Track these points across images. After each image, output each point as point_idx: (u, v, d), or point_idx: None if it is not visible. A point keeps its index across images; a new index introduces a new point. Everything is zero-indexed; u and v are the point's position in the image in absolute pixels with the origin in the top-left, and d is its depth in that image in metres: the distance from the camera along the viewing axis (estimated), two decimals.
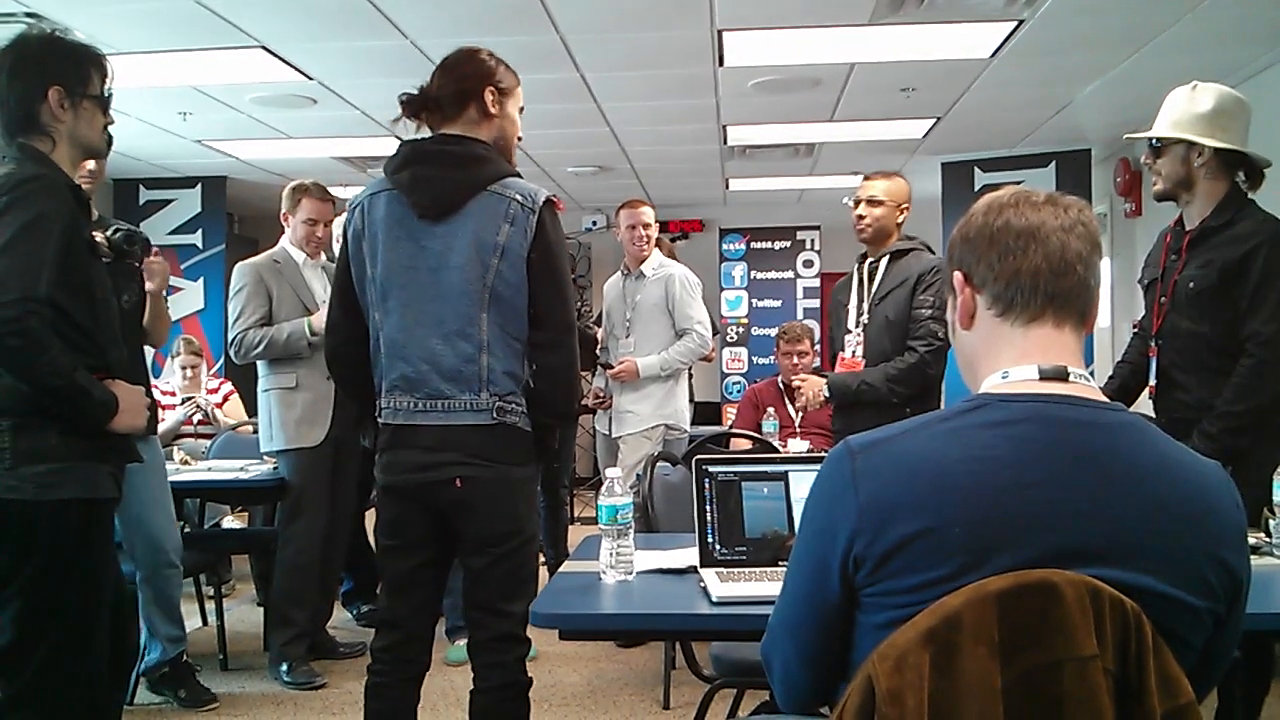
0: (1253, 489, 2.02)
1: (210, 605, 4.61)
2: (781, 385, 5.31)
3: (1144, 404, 3.03)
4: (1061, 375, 1.29)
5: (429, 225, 2.40)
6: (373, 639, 2.55)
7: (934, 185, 7.84)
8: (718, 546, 2.16)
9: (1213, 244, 2.81)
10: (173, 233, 8.09)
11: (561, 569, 2.25)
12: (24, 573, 2.23)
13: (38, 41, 2.37)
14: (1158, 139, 2.84)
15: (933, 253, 3.67)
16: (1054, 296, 1.31)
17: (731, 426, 6.05)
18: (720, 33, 4.88)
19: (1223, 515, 1.25)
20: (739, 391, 9.22)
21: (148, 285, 3.46)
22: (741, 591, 1.95)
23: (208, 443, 5.23)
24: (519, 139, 2.58)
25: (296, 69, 5.34)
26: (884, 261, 3.66)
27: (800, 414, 5.04)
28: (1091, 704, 1.12)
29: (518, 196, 2.40)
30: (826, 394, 3.66)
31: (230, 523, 5.73)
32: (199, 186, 8.19)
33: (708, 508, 2.19)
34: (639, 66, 5.45)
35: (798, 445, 4.82)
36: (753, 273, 9.98)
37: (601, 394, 4.90)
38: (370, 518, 5.10)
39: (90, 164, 3.37)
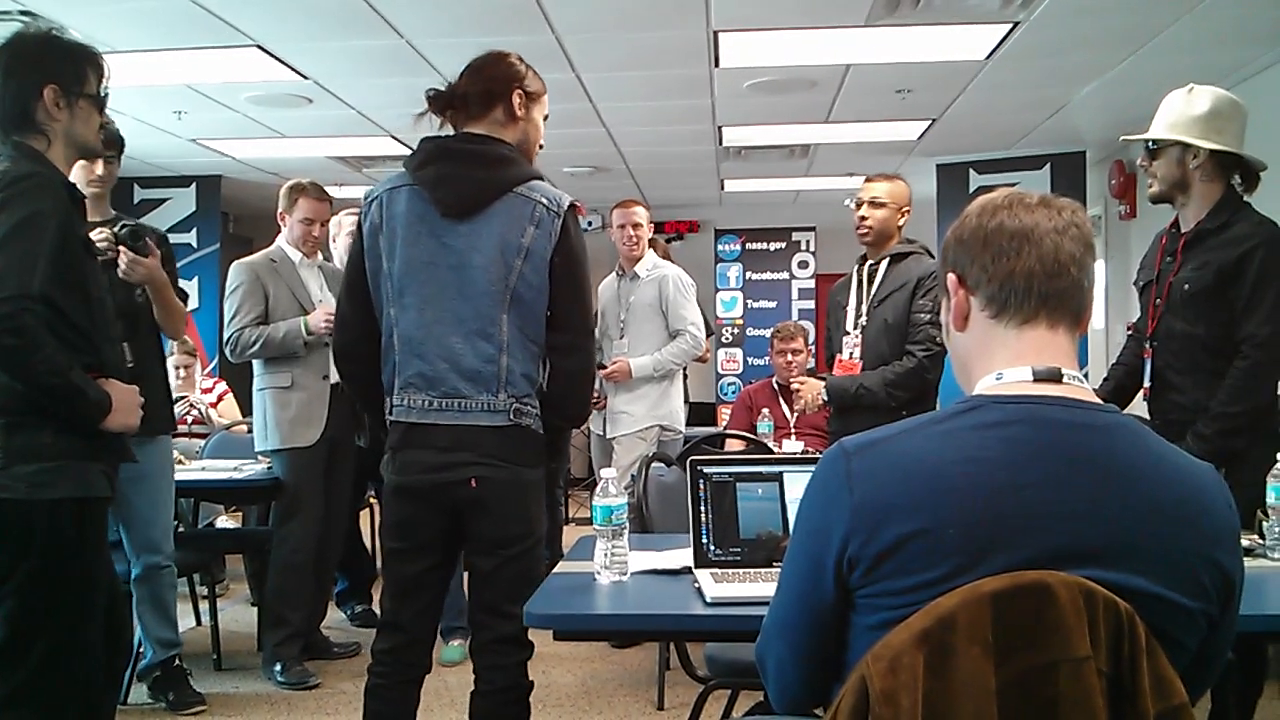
0: (1246, 491, 2.02)
1: (204, 605, 4.61)
2: (776, 386, 5.32)
3: (1139, 406, 3.04)
4: (1055, 377, 1.29)
5: (451, 223, 2.39)
6: (374, 640, 2.52)
7: (929, 187, 7.85)
8: (712, 547, 2.16)
9: (1208, 246, 2.81)
10: (167, 232, 7.95)
11: (556, 569, 2.25)
12: (18, 572, 2.22)
13: (35, 40, 2.36)
14: (1154, 141, 2.85)
15: (933, 256, 3.65)
16: (1048, 298, 1.31)
17: (726, 427, 6.06)
18: (716, 33, 4.88)
19: (1216, 517, 1.25)
20: (734, 392, 9.21)
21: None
22: (736, 592, 1.95)
23: (201, 442, 5.22)
24: (540, 145, 2.58)
25: (292, 68, 5.34)
26: (884, 264, 3.64)
27: (796, 415, 5.05)
28: (1085, 705, 1.12)
29: (543, 200, 2.40)
30: (825, 397, 3.66)
31: (224, 522, 5.72)
32: (194, 186, 8.18)
33: (702, 508, 2.19)
34: (635, 67, 5.45)
35: (792, 446, 4.83)
36: (748, 274, 9.99)
37: (597, 395, 4.90)
38: (365, 517, 5.13)
39: (100, 168, 3.40)
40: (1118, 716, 1.14)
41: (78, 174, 3.41)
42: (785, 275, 9.95)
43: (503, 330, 2.39)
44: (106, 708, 2.52)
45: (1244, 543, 1.71)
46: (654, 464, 3.32)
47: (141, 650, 3.65)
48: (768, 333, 5.93)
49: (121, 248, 3.31)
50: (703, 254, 9.83)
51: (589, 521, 2.19)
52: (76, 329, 2.26)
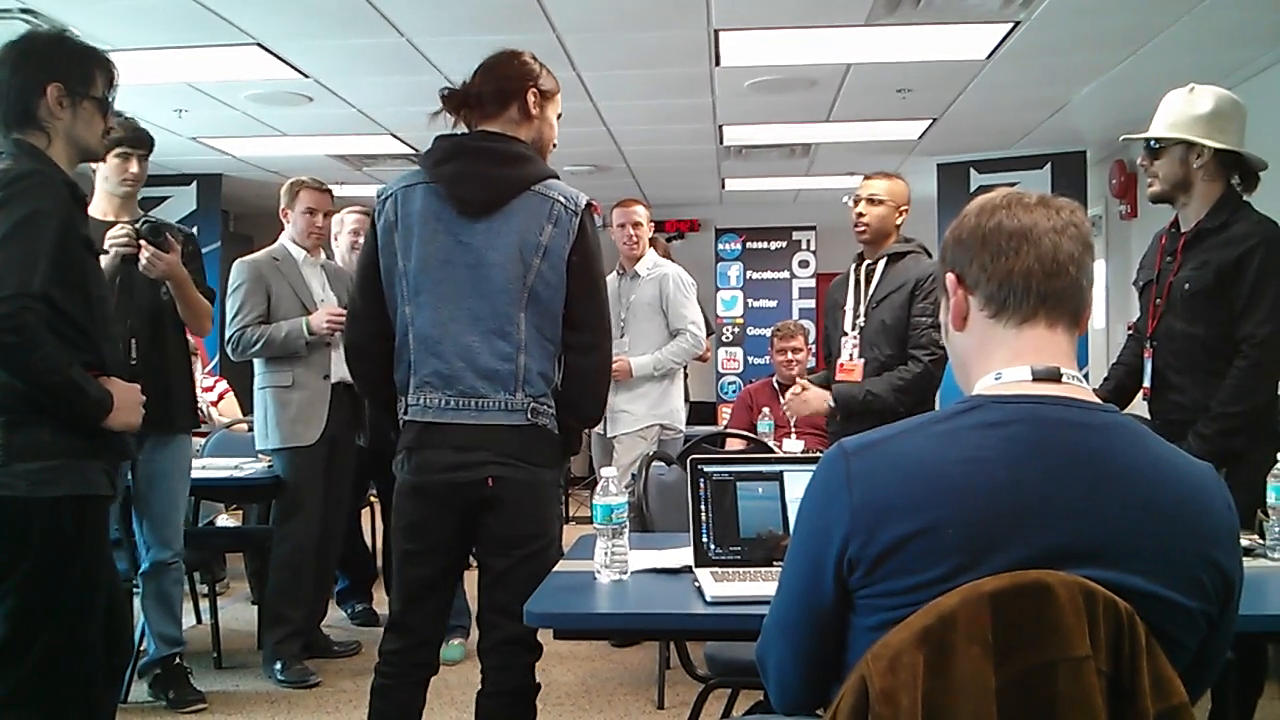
0: (1246, 491, 2.02)
1: (204, 603, 4.61)
2: (776, 385, 5.32)
3: (1139, 406, 3.04)
4: (1054, 376, 1.29)
5: (468, 221, 2.38)
6: (382, 641, 2.50)
7: (929, 186, 7.85)
8: (712, 546, 2.16)
9: (1208, 246, 2.81)
10: None
11: (556, 568, 2.25)
12: (18, 570, 2.22)
13: (44, 39, 2.38)
14: (1156, 140, 2.85)
15: (930, 256, 3.62)
16: (1046, 297, 1.31)
17: (726, 426, 6.06)
18: (717, 32, 4.88)
19: (1215, 517, 1.25)
20: (734, 391, 9.22)
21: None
22: (736, 591, 1.95)
23: (202, 440, 5.22)
24: (554, 144, 2.57)
25: (293, 66, 5.34)
26: (881, 263, 3.61)
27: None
28: (1085, 705, 1.12)
29: (560, 198, 2.40)
30: (831, 404, 3.59)
31: (224, 521, 5.72)
32: (194, 184, 8.19)
33: (702, 507, 2.19)
34: (636, 66, 5.45)
35: (793, 445, 4.83)
36: (748, 273, 9.99)
37: None
38: (366, 516, 5.13)
39: (134, 166, 3.45)
40: (1117, 716, 1.14)
41: (112, 171, 3.47)
42: (786, 274, 9.95)
43: (520, 329, 2.38)
44: (107, 706, 2.52)
45: (1244, 542, 1.71)
46: (654, 463, 3.32)
47: (143, 647, 3.66)
48: (768, 332, 5.93)
49: (142, 242, 3.34)
50: (703, 253, 9.83)
51: (589, 520, 2.18)
52: (77, 327, 2.26)
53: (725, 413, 8.58)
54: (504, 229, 2.37)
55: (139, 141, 3.58)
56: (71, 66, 2.33)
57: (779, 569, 1.40)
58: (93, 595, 2.33)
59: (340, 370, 3.98)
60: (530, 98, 2.46)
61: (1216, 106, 2.77)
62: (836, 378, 3.65)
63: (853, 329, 3.64)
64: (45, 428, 2.22)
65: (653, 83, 5.79)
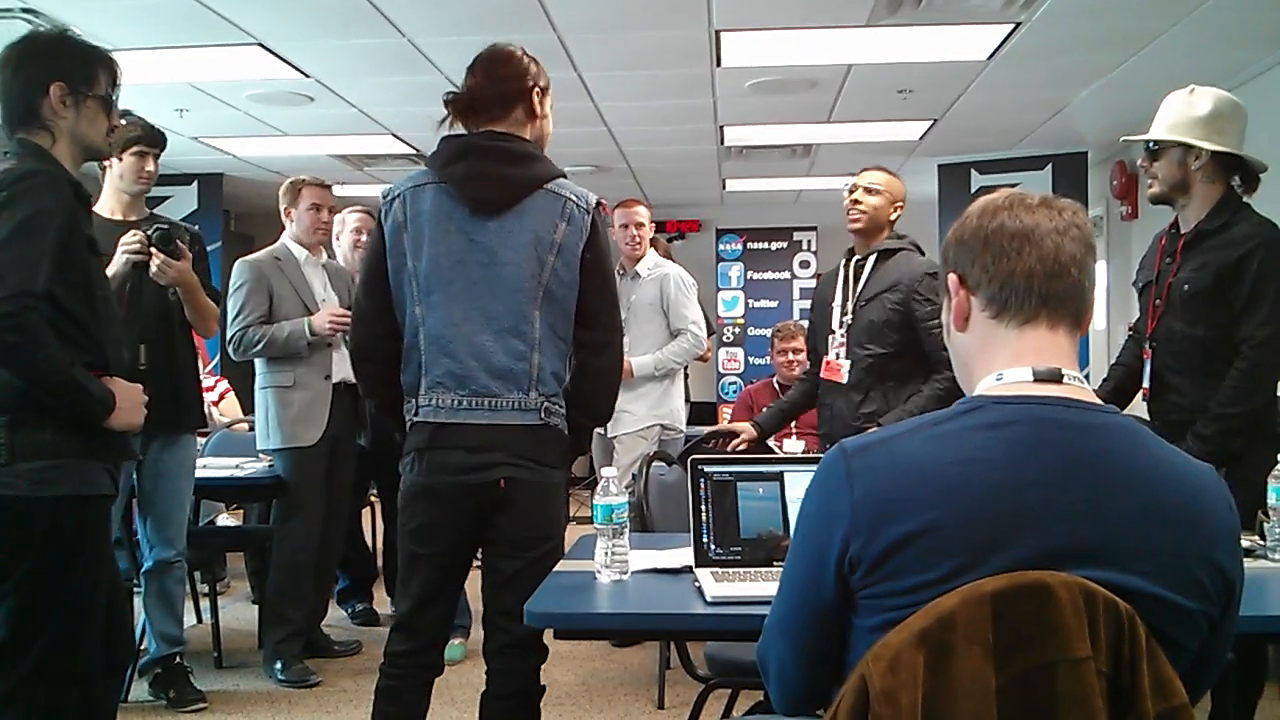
0: (1246, 491, 2.02)
1: (205, 603, 4.61)
2: (777, 385, 5.33)
3: (1138, 406, 3.04)
4: (1055, 377, 1.29)
5: (481, 220, 2.38)
6: (388, 641, 2.49)
7: (930, 187, 7.85)
8: (713, 546, 2.16)
9: (1208, 247, 2.81)
10: None
11: (557, 568, 2.25)
12: (19, 569, 2.22)
13: (46, 38, 2.38)
14: (1155, 142, 2.85)
15: (922, 253, 3.52)
16: (1048, 298, 1.31)
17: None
18: (718, 33, 4.88)
19: (1216, 518, 1.25)
20: (735, 392, 9.22)
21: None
22: (736, 591, 1.95)
23: (203, 440, 5.22)
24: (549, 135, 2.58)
25: (294, 66, 5.33)
26: (871, 260, 3.49)
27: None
28: (1085, 705, 1.13)
29: (573, 196, 2.41)
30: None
31: (225, 520, 5.73)
32: (195, 184, 8.18)
33: (703, 508, 2.19)
34: (637, 66, 5.45)
35: (793, 446, 4.83)
36: (749, 273, 10.00)
37: None
38: (366, 516, 5.13)
39: (150, 164, 3.50)
40: (1117, 717, 1.15)
41: (129, 169, 3.49)
42: (786, 275, 9.95)
43: (535, 328, 2.38)
44: (107, 705, 2.52)
45: (1244, 543, 1.71)
46: (655, 463, 3.33)
47: (144, 646, 3.66)
48: (769, 332, 5.93)
49: (154, 249, 3.38)
50: (704, 253, 9.83)
51: (589, 520, 2.19)
52: (80, 327, 2.26)
53: (726, 413, 8.58)
54: (517, 227, 2.37)
55: (155, 140, 3.61)
56: (74, 65, 2.33)
57: (779, 569, 1.40)
58: (94, 595, 2.33)
59: (341, 370, 3.99)
60: (535, 98, 2.47)
61: (1216, 108, 2.78)
62: (822, 376, 3.55)
63: (840, 327, 3.53)
64: (47, 427, 2.22)
65: (654, 83, 5.79)
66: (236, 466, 4.29)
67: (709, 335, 5.35)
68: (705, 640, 2.66)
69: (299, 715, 3.70)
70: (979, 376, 1.35)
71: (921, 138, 7.10)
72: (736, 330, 9.92)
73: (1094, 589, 1.15)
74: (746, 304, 9.97)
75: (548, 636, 2.02)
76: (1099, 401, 1.30)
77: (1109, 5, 4.51)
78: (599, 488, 2.15)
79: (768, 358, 6.45)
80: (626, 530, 2.12)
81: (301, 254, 4.17)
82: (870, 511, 1.23)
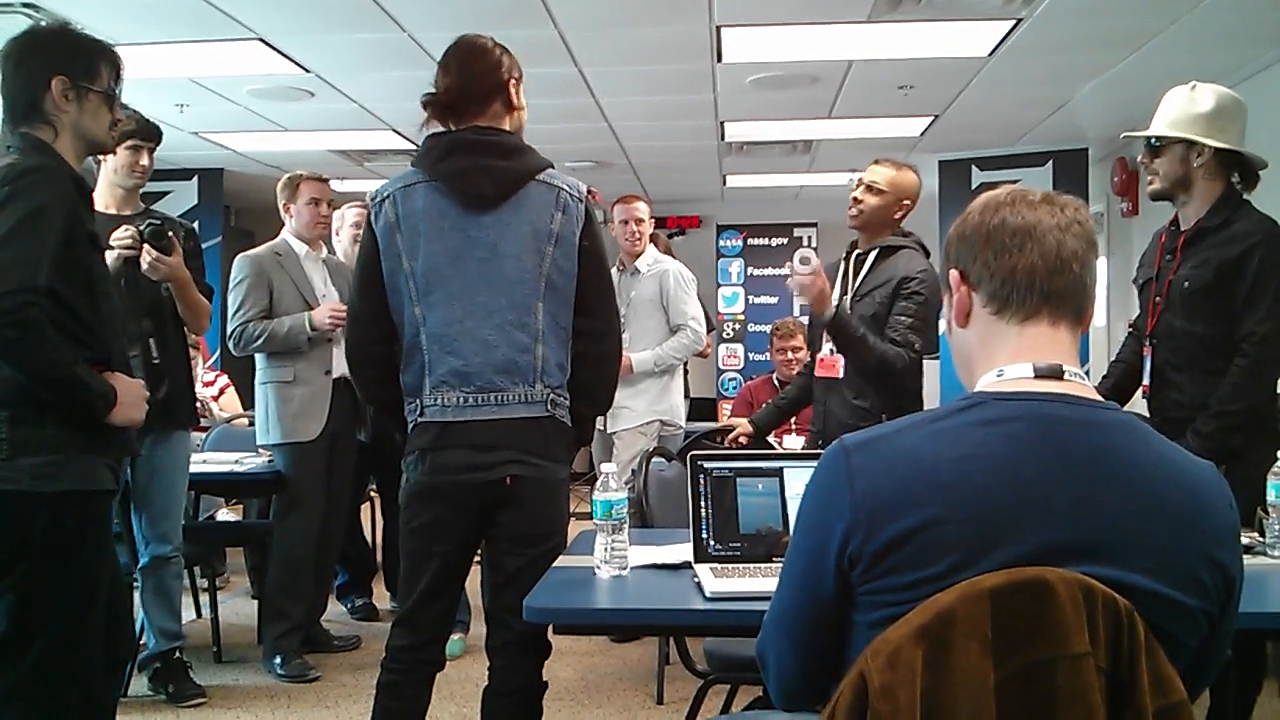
0: (1246, 488, 2.02)
1: (204, 597, 4.61)
2: (777, 382, 5.32)
3: (1138, 403, 3.03)
4: (1056, 374, 1.29)
5: (476, 215, 2.38)
6: (390, 637, 2.49)
7: (931, 183, 7.80)
8: (712, 542, 2.17)
9: (1208, 244, 2.81)
10: None
11: (556, 564, 2.25)
12: (20, 565, 2.22)
13: (47, 33, 2.38)
14: (1157, 138, 2.84)
15: (928, 253, 3.49)
16: (1049, 295, 1.31)
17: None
18: (719, 29, 4.87)
19: (1216, 515, 1.25)
20: (735, 388, 9.23)
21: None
22: (735, 587, 1.95)
23: (203, 435, 5.22)
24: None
25: (294, 62, 5.33)
26: (872, 255, 3.46)
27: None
28: (1083, 701, 1.13)
29: (564, 186, 2.42)
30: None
31: (224, 515, 5.73)
32: (195, 179, 8.18)
33: (702, 503, 2.19)
34: (637, 62, 5.45)
35: (793, 442, 4.83)
36: (750, 269, 10.00)
37: None
38: (366, 511, 5.13)
39: (144, 159, 3.47)
40: (1116, 713, 1.15)
41: (123, 164, 3.48)
42: (787, 271, 9.92)
43: (538, 319, 2.38)
44: (107, 700, 2.53)
45: (1244, 540, 1.71)
46: (654, 459, 3.32)
47: (143, 641, 3.66)
48: (769, 328, 5.93)
49: (146, 245, 3.37)
50: (704, 249, 9.83)
51: (589, 516, 2.19)
52: (81, 322, 2.26)
53: (726, 409, 8.59)
54: (514, 220, 2.38)
55: (149, 134, 3.61)
56: (76, 59, 2.32)
57: (779, 565, 1.40)
58: (94, 590, 2.33)
59: (342, 366, 3.98)
60: (512, 90, 2.48)
61: (1217, 105, 2.77)
62: (816, 373, 3.53)
63: None
64: (48, 423, 2.22)
65: (654, 79, 5.79)
66: (236, 461, 4.29)
67: (709, 331, 5.35)
68: (704, 636, 2.66)
69: (298, 710, 3.71)
70: (980, 373, 1.35)
71: (922, 134, 7.10)
72: (736, 326, 9.92)
73: (1093, 585, 1.15)
74: (747, 300, 9.97)
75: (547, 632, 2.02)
76: (1100, 398, 1.30)
77: (1110, 2, 4.51)
78: (598, 483, 2.15)
79: (768, 354, 6.45)
80: (626, 526, 2.12)
81: (302, 249, 4.17)
82: (870, 508, 1.23)
